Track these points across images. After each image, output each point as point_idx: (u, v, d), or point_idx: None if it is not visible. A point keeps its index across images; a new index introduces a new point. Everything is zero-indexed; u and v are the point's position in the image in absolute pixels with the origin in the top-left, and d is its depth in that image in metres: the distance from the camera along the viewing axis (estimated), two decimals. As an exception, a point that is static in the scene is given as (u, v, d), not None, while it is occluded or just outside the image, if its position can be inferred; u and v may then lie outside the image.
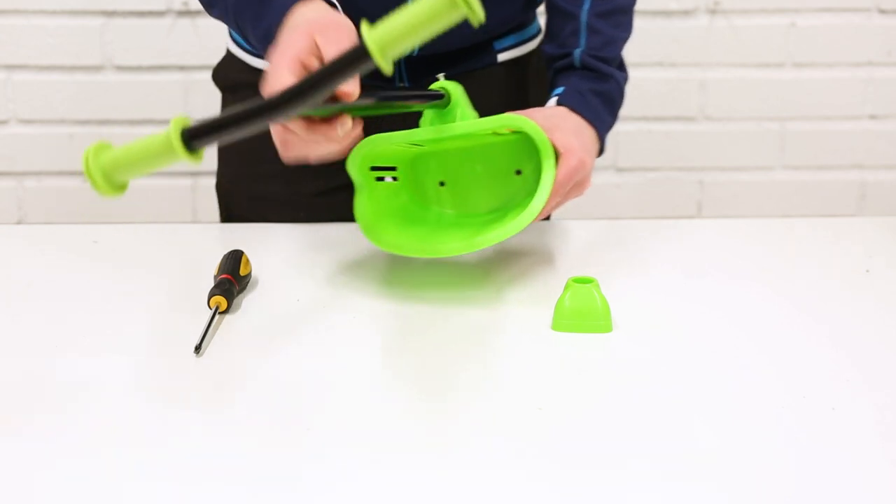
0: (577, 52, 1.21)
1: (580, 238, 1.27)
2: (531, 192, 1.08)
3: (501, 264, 1.19)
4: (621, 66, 1.25)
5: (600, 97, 1.20)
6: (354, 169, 1.13)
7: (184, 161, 0.82)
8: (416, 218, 1.18)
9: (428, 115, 1.10)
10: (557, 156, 1.09)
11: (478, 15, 0.76)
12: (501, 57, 1.32)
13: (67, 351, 0.98)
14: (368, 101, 0.97)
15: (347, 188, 1.36)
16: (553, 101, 1.19)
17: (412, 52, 1.23)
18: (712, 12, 2.16)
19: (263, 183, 1.35)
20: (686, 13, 2.16)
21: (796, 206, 2.31)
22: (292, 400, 0.89)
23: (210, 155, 1.43)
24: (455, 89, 1.09)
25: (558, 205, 1.13)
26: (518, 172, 1.16)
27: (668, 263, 1.20)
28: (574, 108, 1.17)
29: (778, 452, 0.82)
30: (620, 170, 2.28)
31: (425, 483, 0.78)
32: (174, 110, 2.17)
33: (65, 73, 2.15)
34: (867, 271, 1.18)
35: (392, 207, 1.18)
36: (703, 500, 0.76)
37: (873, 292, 1.12)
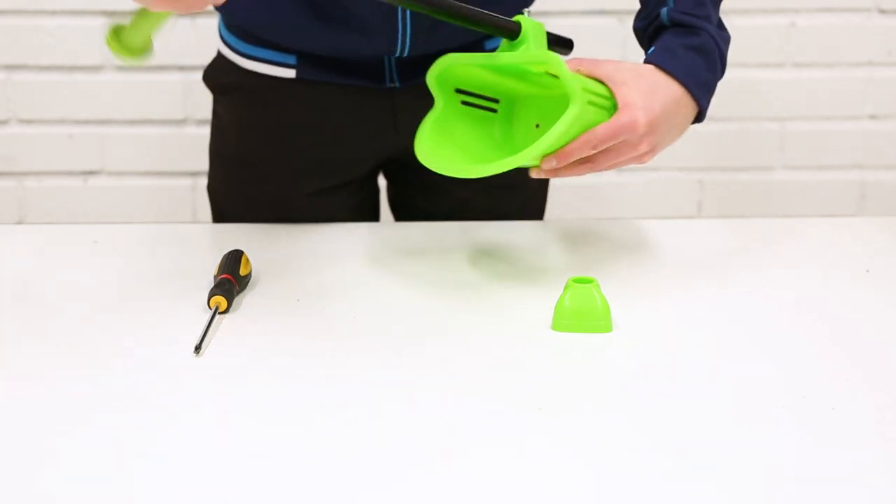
0: (665, 11, 1.14)
1: (580, 238, 1.27)
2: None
3: (502, 264, 1.19)
4: (720, 26, 1.17)
5: (694, 51, 1.12)
6: (433, 83, 1.12)
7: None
8: (477, 157, 1.15)
9: (504, 46, 1.09)
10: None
11: None
12: None
13: (67, 351, 0.98)
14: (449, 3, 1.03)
15: (339, 189, 1.36)
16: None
17: (403, 51, 1.23)
18: (712, 12, 2.16)
19: (254, 184, 1.35)
20: (686, 13, 2.15)
21: (796, 206, 2.31)
22: (292, 400, 0.89)
23: (203, 157, 1.43)
24: (529, 26, 1.07)
25: (605, 164, 1.07)
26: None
27: (668, 263, 1.19)
28: (662, 67, 1.10)
29: (778, 452, 0.82)
30: (620, 170, 2.28)
31: (425, 482, 0.78)
32: (174, 110, 2.17)
33: (65, 73, 2.15)
34: (867, 271, 1.18)
35: (462, 135, 1.15)
36: (703, 500, 0.76)
37: (873, 292, 1.12)
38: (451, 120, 1.14)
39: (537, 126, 1.17)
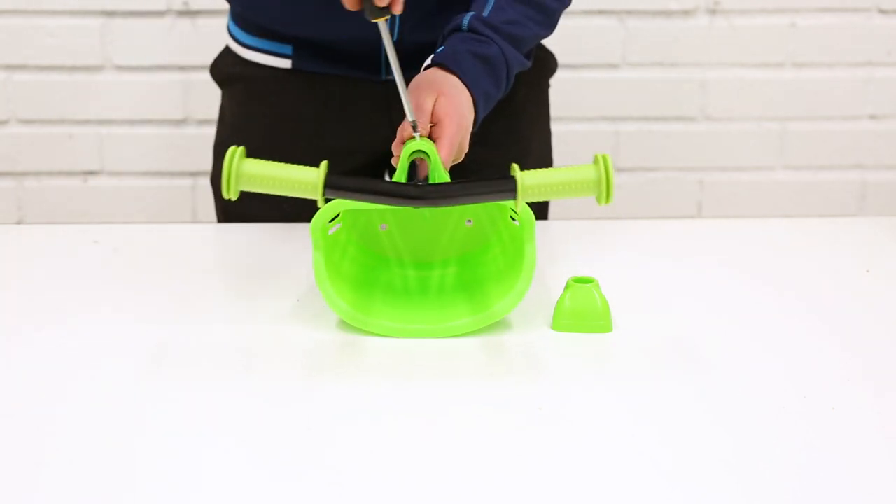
0: (468, 17, 1.14)
1: (580, 238, 1.27)
2: (484, 242, 1.08)
3: (501, 264, 1.19)
4: (524, 52, 1.17)
5: (479, 60, 1.12)
6: (317, 232, 1.02)
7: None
8: (372, 282, 1.08)
9: (400, 174, 1.02)
10: (442, 131, 1.04)
11: (608, 201, 0.96)
12: None
13: (67, 351, 0.98)
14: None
15: None
16: (428, 61, 1.14)
17: (394, 36, 1.23)
18: (712, 12, 2.16)
19: None
20: (686, 13, 2.15)
21: (796, 206, 2.31)
22: (292, 400, 0.90)
23: (203, 156, 1.43)
24: (431, 150, 1.02)
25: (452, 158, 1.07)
26: (468, 222, 1.08)
27: (668, 263, 1.20)
28: (446, 67, 1.11)
29: (778, 452, 0.82)
30: (620, 170, 2.28)
31: (426, 482, 0.78)
32: (174, 110, 2.17)
33: (65, 73, 2.15)
34: (867, 271, 1.18)
35: (348, 272, 1.07)
36: (703, 500, 0.76)
37: (873, 292, 1.12)
38: (337, 266, 1.05)
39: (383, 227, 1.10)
